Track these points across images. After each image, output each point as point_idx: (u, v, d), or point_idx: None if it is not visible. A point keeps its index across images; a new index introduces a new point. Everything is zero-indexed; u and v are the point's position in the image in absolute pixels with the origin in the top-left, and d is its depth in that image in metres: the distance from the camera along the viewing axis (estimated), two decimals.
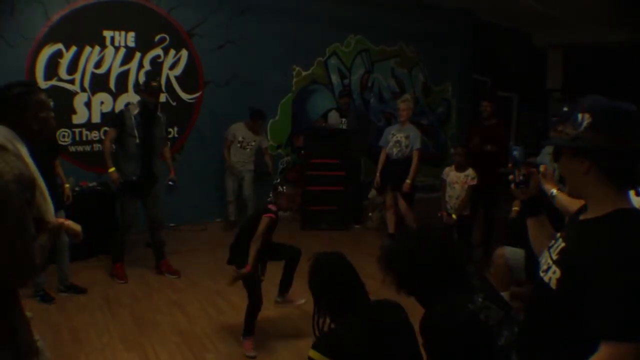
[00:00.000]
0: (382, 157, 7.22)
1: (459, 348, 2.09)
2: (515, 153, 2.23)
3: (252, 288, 4.30)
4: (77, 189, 6.36)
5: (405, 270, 2.25)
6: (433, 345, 2.14)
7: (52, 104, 2.52)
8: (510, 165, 2.20)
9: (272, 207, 4.41)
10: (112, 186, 5.95)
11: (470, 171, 6.45)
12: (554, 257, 1.77)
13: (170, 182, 6.20)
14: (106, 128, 6.89)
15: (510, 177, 2.17)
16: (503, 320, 2.16)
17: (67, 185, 5.40)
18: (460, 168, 6.51)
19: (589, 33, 10.48)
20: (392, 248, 2.37)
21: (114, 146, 5.68)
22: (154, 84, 5.87)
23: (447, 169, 6.66)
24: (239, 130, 7.61)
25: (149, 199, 5.85)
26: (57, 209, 4.73)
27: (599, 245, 1.62)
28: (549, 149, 5.53)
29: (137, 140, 5.57)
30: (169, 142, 6.46)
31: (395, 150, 7.03)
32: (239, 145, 7.64)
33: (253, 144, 7.70)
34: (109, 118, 6.53)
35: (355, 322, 2.29)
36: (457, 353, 2.10)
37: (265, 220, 4.29)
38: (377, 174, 7.25)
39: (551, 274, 1.74)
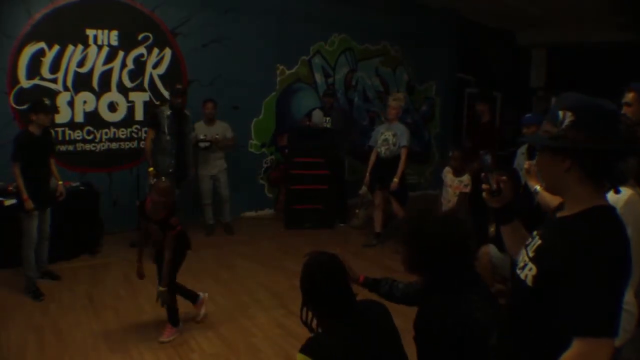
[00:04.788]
0: (372, 157, 7.13)
1: (451, 346, 2.12)
2: (487, 158, 2.19)
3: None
4: None
5: (423, 251, 2.27)
6: (425, 341, 2.17)
7: None
8: (483, 174, 2.14)
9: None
10: (149, 181, 6.44)
11: (465, 177, 6.42)
12: (531, 254, 1.79)
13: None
14: (90, 128, 6.95)
15: (484, 185, 2.13)
16: (494, 319, 2.17)
17: (60, 182, 5.68)
18: (456, 173, 6.51)
19: (572, 32, 10.56)
20: (416, 226, 2.38)
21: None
22: (178, 86, 7.00)
23: (446, 169, 6.68)
24: (199, 128, 7.34)
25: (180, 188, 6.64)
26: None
27: (573, 243, 1.64)
28: (523, 149, 5.58)
29: (170, 137, 6.59)
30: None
31: (383, 149, 6.94)
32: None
33: (217, 136, 7.33)
34: (147, 119, 7.15)
35: (343, 329, 2.26)
36: (449, 351, 2.13)
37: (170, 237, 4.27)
38: (367, 174, 7.18)
39: (527, 271, 1.76)
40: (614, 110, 1.71)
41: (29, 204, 5.14)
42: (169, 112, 6.59)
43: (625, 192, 2.45)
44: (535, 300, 1.73)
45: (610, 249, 1.59)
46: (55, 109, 6.56)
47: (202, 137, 7.21)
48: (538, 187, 3.21)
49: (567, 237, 1.68)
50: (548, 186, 1.87)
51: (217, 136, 7.27)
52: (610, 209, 1.72)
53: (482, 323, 2.13)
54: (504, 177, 2.14)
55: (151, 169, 6.46)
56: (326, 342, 2.24)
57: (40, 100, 5.75)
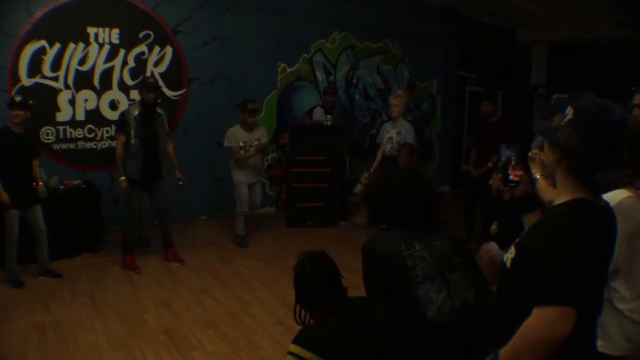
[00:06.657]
0: (379, 155, 7.20)
1: (377, 278, 2.31)
2: (505, 152, 2.30)
3: None
4: (61, 187, 6.32)
5: (378, 199, 2.51)
6: (363, 267, 2.37)
7: None
8: (500, 164, 2.32)
9: None
10: (121, 192, 6.07)
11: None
12: (517, 240, 1.89)
13: (179, 182, 6.18)
14: (91, 126, 6.94)
15: (499, 175, 2.24)
16: (432, 275, 2.28)
17: (40, 183, 5.56)
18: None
19: (573, 30, 10.55)
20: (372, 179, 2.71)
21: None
22: (151, 80, 6.21)
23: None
24: (239, 134, 6.84)
25: (154, 193, 6.16)
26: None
27: (542, 226, 1.77)
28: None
29: (137, 140, 5.83)
30: (171, 138, 6.42)
31: (388, 147, 7.02)
32: (242, 151, 6.83)
33: (256, 142, 6.92)
34: (116, 123, 6.35)
35: (336, 320, 2.33)
36: (376, 282, 2.33)
37: None
38: (372, 172, 7.17)
39: (509, 254, 1.87)
40: (617, 122, 1.70)
41: (4, 197, 5.10)
42: (136, 113, 5.83)
43: (621, 193, 2.41)
44: (511, 280, 1.84)
45: (574, 232, 1.67)
46: (28, 106, 5.52)
47: (242, 144, 6.82)
48: (538, 175, 3.21)
49: (539, 223, 1.81)
50: (549, 172, 1.94)
51: (256, 143, 6.91)
52: (589, 202, 1.77)
53: (412, 271, 2.27)
54: (521, 171, 2.25)
55: (122, 177, 5.87)
56: (317, 333, 2.31)
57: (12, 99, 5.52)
